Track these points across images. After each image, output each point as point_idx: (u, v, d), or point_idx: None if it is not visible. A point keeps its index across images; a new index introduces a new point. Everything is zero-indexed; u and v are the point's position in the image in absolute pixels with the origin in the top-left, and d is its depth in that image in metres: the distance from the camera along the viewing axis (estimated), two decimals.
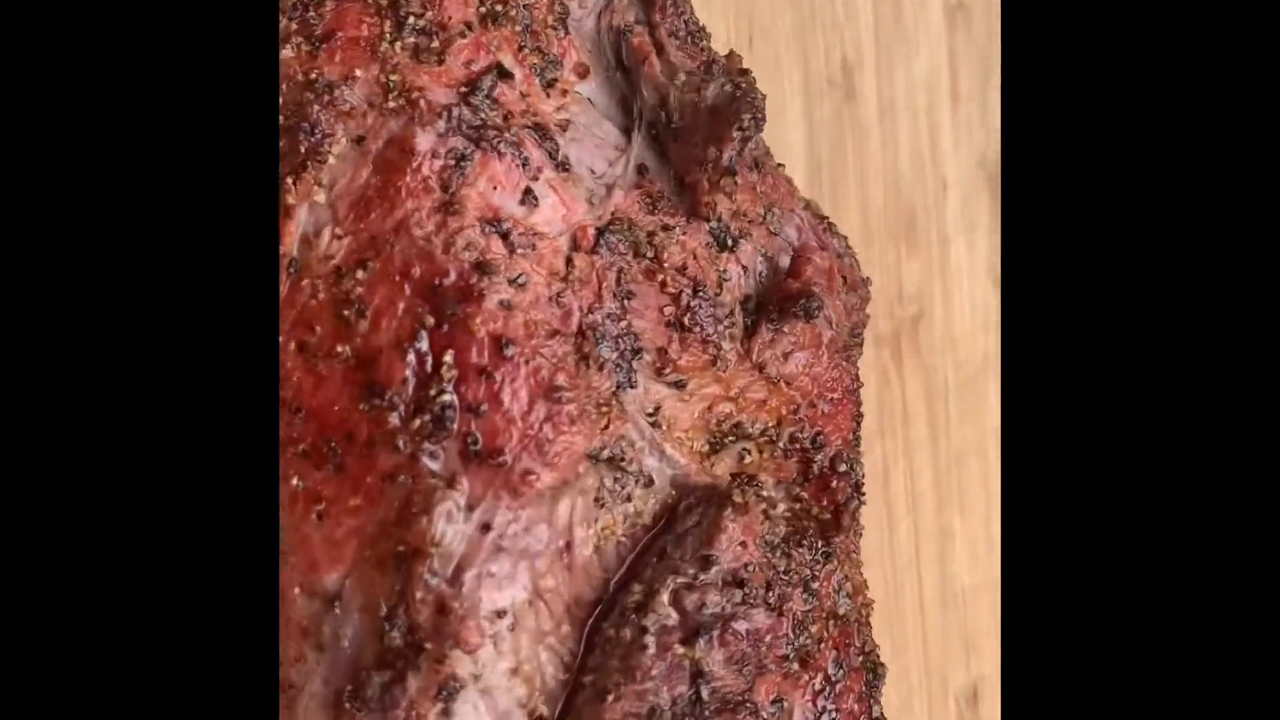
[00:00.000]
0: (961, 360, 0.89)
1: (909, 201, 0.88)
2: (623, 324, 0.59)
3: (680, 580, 0.59)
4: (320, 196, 0.58)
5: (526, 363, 0.57)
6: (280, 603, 0.57)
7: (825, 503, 0.66)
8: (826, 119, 0.86)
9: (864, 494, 0.68)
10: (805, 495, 0.65)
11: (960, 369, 0.89)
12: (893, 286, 0.88)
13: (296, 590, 0.57)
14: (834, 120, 0.86)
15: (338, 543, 0.57)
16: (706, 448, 0.62)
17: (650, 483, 0.61)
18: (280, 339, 0.57)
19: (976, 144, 0.89)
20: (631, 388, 0.59)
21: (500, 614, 0.57)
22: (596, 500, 0.59)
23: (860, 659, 0.65)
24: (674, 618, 0.59)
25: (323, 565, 0.57)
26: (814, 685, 0.62)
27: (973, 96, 0.88)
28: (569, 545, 0.58)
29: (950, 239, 0.89)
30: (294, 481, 0.57)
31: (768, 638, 0.60)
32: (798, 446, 0.64)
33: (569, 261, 0.59)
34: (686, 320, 0.60)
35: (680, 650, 0.58)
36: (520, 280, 0.57)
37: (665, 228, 0.60)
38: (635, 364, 0.59)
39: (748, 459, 0.64)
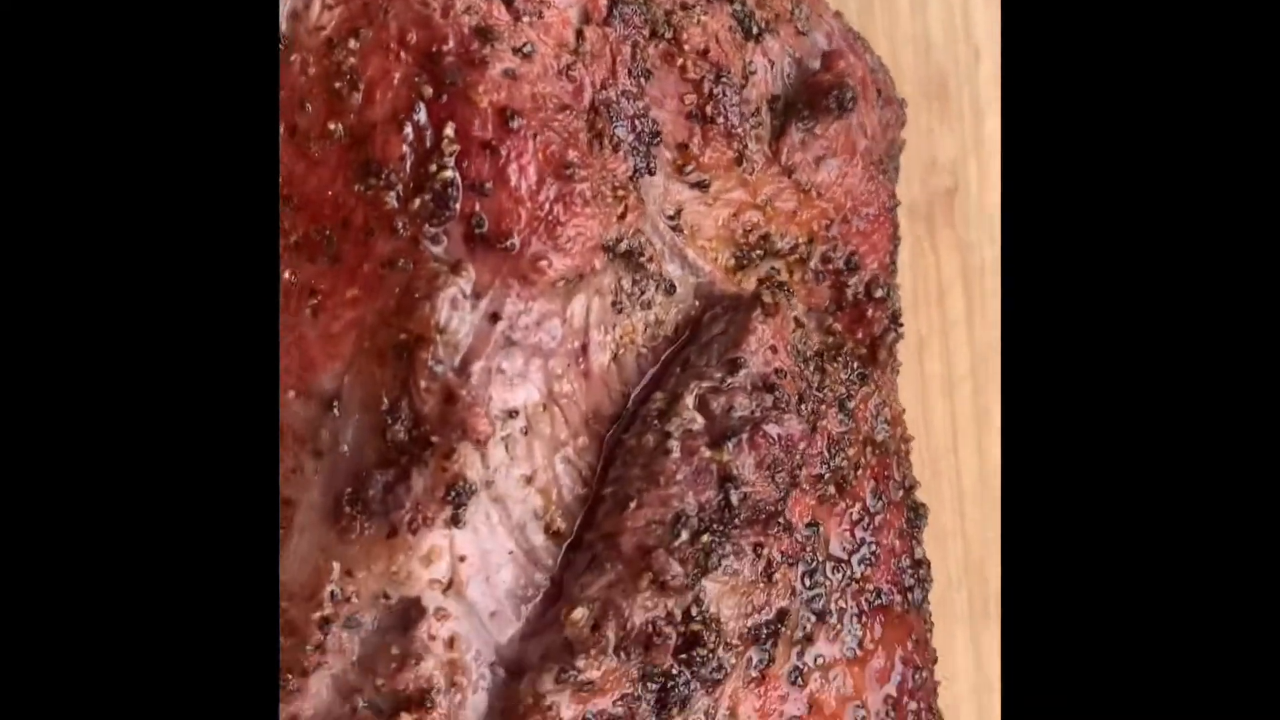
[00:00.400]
0: (998, 235, 0.86)
1: (940, 69, 0.85)
2: (640, 104, 0.54)
3: (706, 385, 0.55)
4: None
5: (534, 137, 0.52)
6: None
7: (860, 335, 0.62)
8: None
9: (902, 325, 0.64)
10: (839, 327, 0.60)
11: (997, 244, 0.85)
12: (926, 156, 0.85)
13: (291, 394, 0.53)
14: None
15: (335, 338, 0.52)
16: (732, 262, 0.58)
17: (672, 290, 0.56)
18: None
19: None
20: (650, 174, 0.55)
21: (512, 414, 0.52)
22: (614, 304, 0.54)
23: (900, 494, 0.60)
24: (700, 422, 0.54)
25: (319, 363, 0.53)
26: (851, 514, 0.57)
27: None
28: (585, 349, 0.54)
29: (984, 109, 0.86)
30: (286, 275, 0.53)
31: (801, 446, 0.55)
32: (830, 268, 0.60)
33: (579, 34, 0.54)
34: (709, 110, 0.56)
35: (707, 454, 0.53)
36: (526, 49, 0.53)
37: (684, 6, 0.56)
38: (654, 150, 0.55)
39: (777, 279, 0.59)
